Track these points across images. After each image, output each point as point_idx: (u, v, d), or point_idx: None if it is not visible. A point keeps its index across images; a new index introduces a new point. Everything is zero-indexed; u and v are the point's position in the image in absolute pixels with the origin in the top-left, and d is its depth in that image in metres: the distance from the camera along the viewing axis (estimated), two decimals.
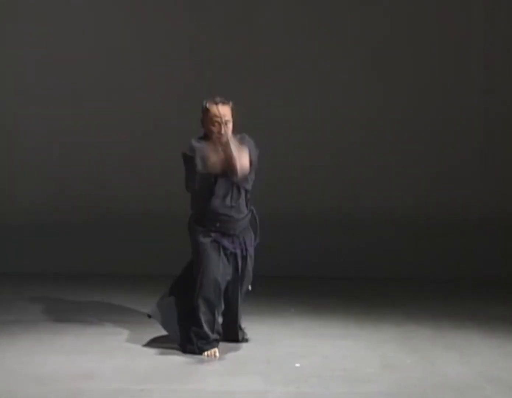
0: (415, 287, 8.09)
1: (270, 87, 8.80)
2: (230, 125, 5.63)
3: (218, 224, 5.66)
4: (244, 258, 5.77)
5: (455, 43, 8.89)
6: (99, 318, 6.57)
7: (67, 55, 8.84)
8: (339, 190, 8.79)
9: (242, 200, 5.75)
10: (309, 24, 8.86)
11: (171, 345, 5.77)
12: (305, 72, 8.85)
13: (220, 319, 5.77)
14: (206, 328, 5.60)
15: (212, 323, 5.62)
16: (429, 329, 6.41)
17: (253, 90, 8.67)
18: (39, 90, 8.85)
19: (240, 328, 6.00)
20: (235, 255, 5.74)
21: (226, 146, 5.40)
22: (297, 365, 5.42)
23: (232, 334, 5.92)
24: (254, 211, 5.86)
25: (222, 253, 5.67)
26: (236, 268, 5.76)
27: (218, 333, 5.69)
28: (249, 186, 5.74)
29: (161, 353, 5.66)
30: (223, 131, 5.56)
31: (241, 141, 5.58)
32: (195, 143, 5.58)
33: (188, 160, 5.54)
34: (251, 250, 5.80)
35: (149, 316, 5.84)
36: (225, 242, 5.69)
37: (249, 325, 6.16)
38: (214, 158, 5.44)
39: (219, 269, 5.64)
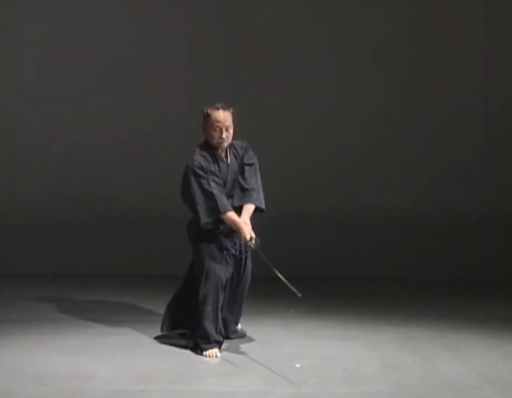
0: (415, 287, 8.07)
1: (270, 87, 8.80)
2: (231, 131, 5.67)
3: (221, 227, 5.67)
4: (245, 259, 5.80)
5: (455, 43, 8.89)
6: (99, 318, 6.55)
7: (67, 55, 8.83)
8: (339, 190, 8.78)
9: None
10: (309, 24, 8.86)
11: (171, 345, 5.78)
12: (305, 72, 8.85)
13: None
14: (208, 328, 5.60)
15: (215, 323, 5.63)
16: (429, 329, 6.40)
17: (253, 90, 8.67)
18: (39, 90, 8.84)
19: (236, 330, 6.02)
20: (235, 256, 5.74)
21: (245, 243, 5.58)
22: (297, 365, 5.42)
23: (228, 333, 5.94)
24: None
25: (224, 254, 5.69)
26: (237, 269, 5.78)
27: (221, 334, 5.70)
28: (263, 205, 5.79)
29: (161, 353, 5.66)
30: (224, 136, 5.60)
31: (245, 152, 5.70)
32: (200, 161, 5.60)
33: (196, 177, 5.57)
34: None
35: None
36: (228, 243, 5.70)
37: (249, 325, 6.16)
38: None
39: (222, 270, 5.65)
